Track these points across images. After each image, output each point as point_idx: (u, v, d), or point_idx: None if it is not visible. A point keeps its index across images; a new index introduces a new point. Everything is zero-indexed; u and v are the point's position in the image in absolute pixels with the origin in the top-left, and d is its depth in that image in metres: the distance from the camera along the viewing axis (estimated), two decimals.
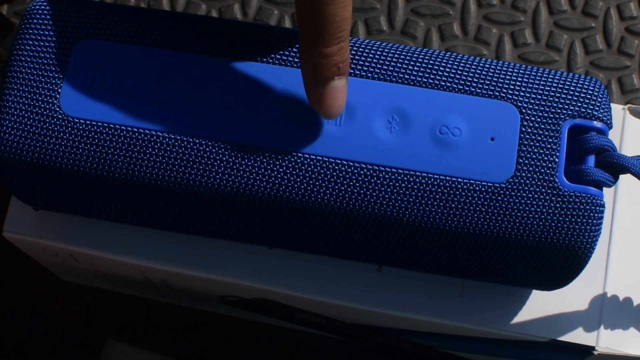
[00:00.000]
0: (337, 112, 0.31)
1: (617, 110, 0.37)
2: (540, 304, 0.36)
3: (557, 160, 0.32)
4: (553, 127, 0.32)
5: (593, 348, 0.35)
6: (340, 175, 0.32)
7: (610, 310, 0.36)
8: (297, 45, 0.33)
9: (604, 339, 0.35)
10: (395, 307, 0.36)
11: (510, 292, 0.36)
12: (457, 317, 0.36)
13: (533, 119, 0.32)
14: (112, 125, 0.32)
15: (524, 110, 0.32)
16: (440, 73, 0.32)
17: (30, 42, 0.33)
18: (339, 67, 0.30)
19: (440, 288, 0.36)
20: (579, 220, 0.31)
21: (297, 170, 0.32)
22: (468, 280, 0.36)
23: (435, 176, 0.32)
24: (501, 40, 0.49)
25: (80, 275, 0.42)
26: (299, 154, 0.32)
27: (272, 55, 0.33)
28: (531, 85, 0.32)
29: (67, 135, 0.32)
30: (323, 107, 0.31)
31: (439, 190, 0.31)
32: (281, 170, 0.32)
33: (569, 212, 0.31)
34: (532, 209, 0.31)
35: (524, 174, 0.31)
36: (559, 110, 0.32)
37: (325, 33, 0.30)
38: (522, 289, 0.36)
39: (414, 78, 0.32)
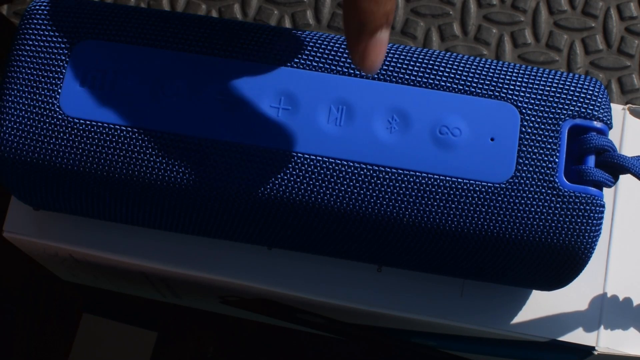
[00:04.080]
0: (378, 67, 0.30)
1: (617, 110, 0.37)
2: (540, 304, 0.36)
3: (557, 160, 0.32)
4: (553, 127, 0.32)
5: (593, 348, 0.35)
6: (340, 175, 0.32)
7: (610, 311, 0.36)
8: (297, 46, 0.33)
9: (604, 339, 0.35)
10: (395, 308, 0.36)
11: (510, 292, 0.36)
12: (457, 317, 0.36)
13: (533, 119, 0.32)
14: (112, 126, 0.32)
15: (524, 111, 0.32)
16: (440, 73, 0.32)
17: (30, 42, 0.33)
18: (387, 17, 0.29)
19: (440, 288, 0.36)
20: (579, 220, 0.31)
21: (297, 171, 0.32)
22: (468, 280, 0.36)
23: (435, 176, 0.32)
24: (501, 40, 0.49)
25: (80, 275, 0.42)
26: (299, 154, 0.32)
27: (272, 56, 0.33)
28: (531, 86, 0.32)
29: (67, 135, 0.32)
30: (366, 61, 0.29)
31: (439, 190, 0.31)
32: (281, 170, 0.32)
33: (569, 213, 0.31)
34: (532, 209, 0.31)
35: (524, 174, 0.31)
36: (559, 111, 0.32)
37: None
38: (522, 289, 0.36)
39: (414, 78, 0.32)
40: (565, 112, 0.32)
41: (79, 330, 0.44)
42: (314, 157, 0.32)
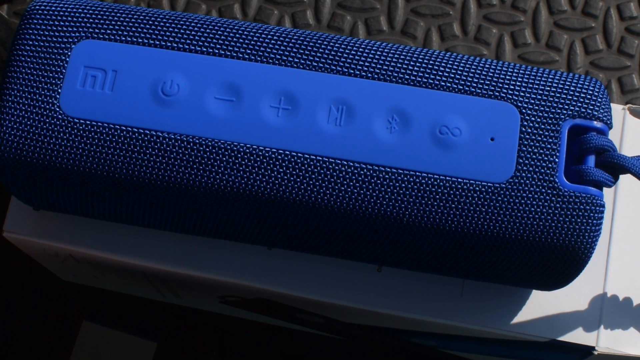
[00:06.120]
0: None
1: (617, 110, 0.37)
2: (540, 304, 0.36)
3: (557, 160, 0.32)
4: (553, 127, 0.32)
5: (593, 348, 0.35)
6: (340, 175, 0.32)
7: (610, 310, 0.36)
8: (297, 45, 0.33)
9: (604, 339, 0.35)
10: (395, 307, 0.36)
11: (510, 292, 0.36)
12: (457, 317, 0.36)
13: (533, 119, 0.32)
14: (112, 125, 0.32)
15: (524, 111, 0.32)
16: (440, 73, 0.32)
17: (30, 42, 0.33)
18: None
19: (441, 288, 0.36)
20: (579, 220, 0.31)
21: (297, 171, 0.32)
22: (468, 280, 0.36)
23: (435, 176, 0.32)
24: (501, 40, 0.49)
25: (81, 275, 0.42)
26: (299, 154, 0.32)
27: (272, 55, 0.33)
28: (531, 86, 0.32)
29: (67, 135, 0.32)
30: None
31: (439, 190, 0.31)
32: (281, 170, 0.32)
33: (569, 212, 0.31)
34: (532, 209, 0.31)
35: (524, 174, 0.31)
36: (559, 110, 0.32)
37: None
38: (522, 289, 0.36)
39: (414, 78, 0.32)
40: (565, 112, 0.32)
41: (78, 339, 0.44)
42: (314, 157, 0.32)
